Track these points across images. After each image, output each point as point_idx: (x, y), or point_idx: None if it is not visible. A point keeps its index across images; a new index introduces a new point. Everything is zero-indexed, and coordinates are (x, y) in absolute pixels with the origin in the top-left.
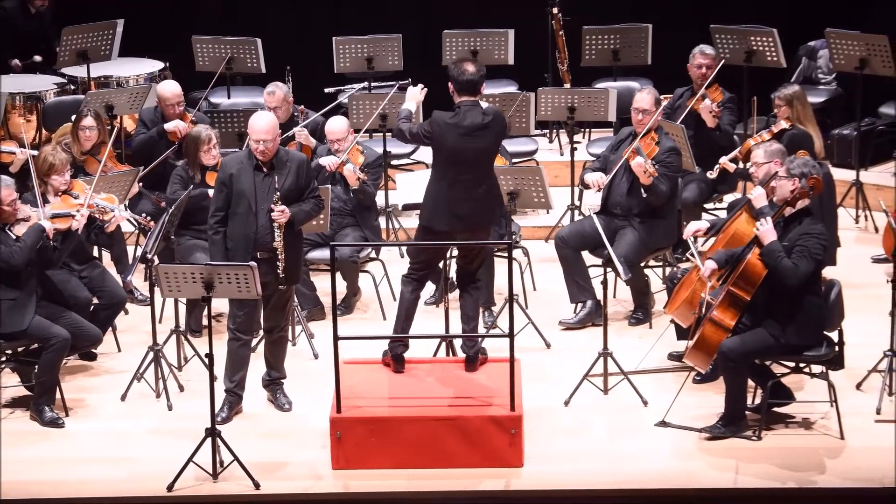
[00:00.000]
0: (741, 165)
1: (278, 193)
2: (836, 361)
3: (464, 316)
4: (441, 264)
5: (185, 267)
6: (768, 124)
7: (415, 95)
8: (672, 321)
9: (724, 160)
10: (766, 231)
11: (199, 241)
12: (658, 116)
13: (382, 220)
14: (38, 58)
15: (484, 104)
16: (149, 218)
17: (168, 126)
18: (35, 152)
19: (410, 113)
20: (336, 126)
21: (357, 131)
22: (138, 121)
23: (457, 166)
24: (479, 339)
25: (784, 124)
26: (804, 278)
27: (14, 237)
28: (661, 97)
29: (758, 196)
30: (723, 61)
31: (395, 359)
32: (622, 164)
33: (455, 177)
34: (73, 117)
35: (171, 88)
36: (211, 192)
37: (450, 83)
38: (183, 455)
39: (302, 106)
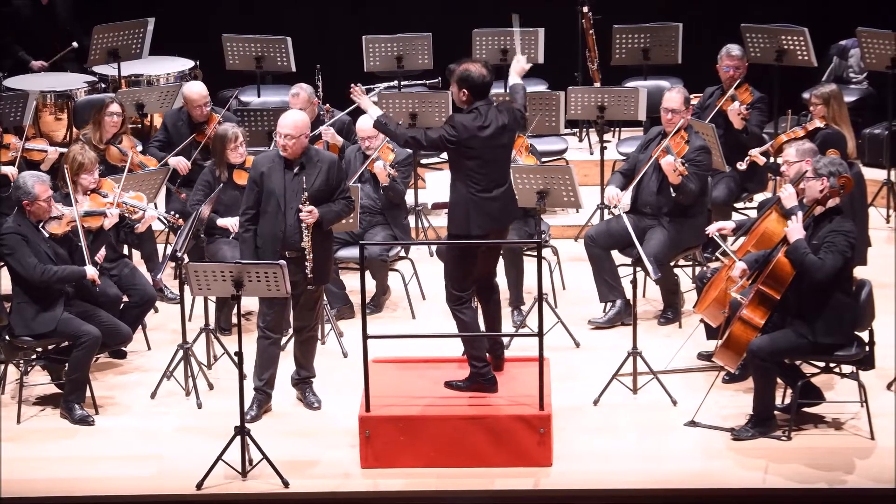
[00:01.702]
0: (771, 160)
1: (306, 193)
2: (866, 361)
3: (490, 322)
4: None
5: (215, 265)
6: (800, 122)
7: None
8: (702, 320)
9: (754, 152)
10: (793, 229)
11: (228, 239)
12: (688, 116)
13: (412, 219)
14: (74, 44)
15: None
16: (178, 216)
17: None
18: (65, 150)
19: (389, 116)
20: (367, 124)
21: None
22: (161, 124)
23: (486, 167)
24: (507, 343)
25: (818, 123)
26: (831, 273)
27: (47, 234)
28: (692, 96)
29: (788, 195)
30: (747, 64)
31: (491, 383)
32: (651, 163)
33: (483, 177)
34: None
35: (196, 90)
36: (221, 221)
37: (464, 89)
38: (212, 453)
39: (327, 105)
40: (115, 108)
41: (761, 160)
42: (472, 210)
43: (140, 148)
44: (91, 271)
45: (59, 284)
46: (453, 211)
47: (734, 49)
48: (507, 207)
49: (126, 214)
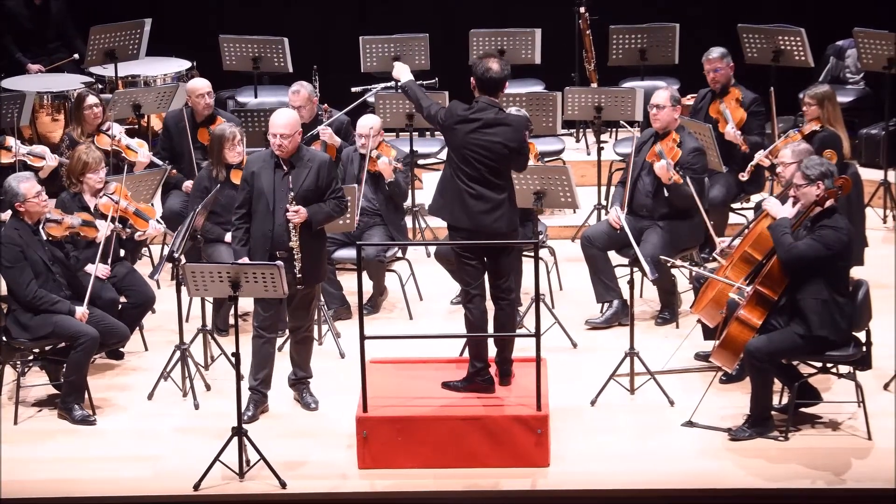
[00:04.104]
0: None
1: (292, 193)
2: (863, 362)
3: (498, 328)
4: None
5: (213, 266)
6: (796, 123)
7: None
8: (699, 321)
9: (759, 155)
10: (778, 206)
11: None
12: (675, 115)
13: (409, 220)
14: (76, 56)
15: (513, 109)
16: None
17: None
18: (65, 160)
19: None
20: (367, 121)
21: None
22: (162, 127)
23: (464, 162)
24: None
25: (814, 126)
26: (799, 258)
27: (46, 237)
28: (688, 97)
29: (773, 206)
30: (732, 65)
31: (488, 383)
32: (645, 165)
33: (462, 172)
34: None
35: (199, 82)
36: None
37: (472, 78)
38: (209, 454)
39: (325, 105)
40: (92, 100)
41: (767, 162)
42: (450, 192)
43: (125, 142)
44: (80, 311)
45: (46, 309)
46: (437, 190)
47: (713, 52)
48: (484, 213)
49: (121, 234)
